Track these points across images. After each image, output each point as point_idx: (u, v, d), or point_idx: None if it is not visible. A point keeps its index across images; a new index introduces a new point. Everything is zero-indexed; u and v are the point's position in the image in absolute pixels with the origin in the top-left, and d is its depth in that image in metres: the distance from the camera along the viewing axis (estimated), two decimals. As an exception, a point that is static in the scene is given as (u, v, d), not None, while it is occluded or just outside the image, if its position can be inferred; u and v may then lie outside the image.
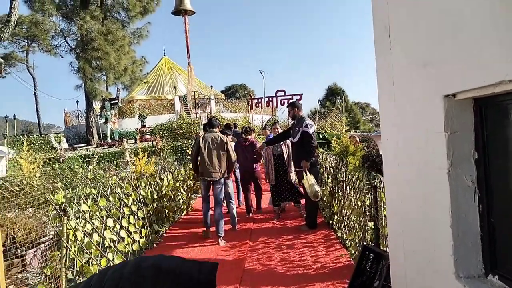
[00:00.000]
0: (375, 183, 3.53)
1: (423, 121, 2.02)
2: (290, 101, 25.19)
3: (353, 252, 4.62)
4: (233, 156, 5.82)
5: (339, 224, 5.50)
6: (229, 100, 33.58)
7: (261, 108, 27.34)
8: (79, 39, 21.50)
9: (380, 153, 3.29)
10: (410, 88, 2.19)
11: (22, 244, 4.84)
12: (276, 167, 6.80)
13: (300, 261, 4.59)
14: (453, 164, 1.79)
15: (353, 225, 4.72)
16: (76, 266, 3.81)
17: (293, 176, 6.73)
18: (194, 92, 28.08)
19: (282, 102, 25.76)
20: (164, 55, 34.24)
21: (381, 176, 3.90)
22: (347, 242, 4.98)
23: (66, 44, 22.52)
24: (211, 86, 31.79)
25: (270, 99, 26.61)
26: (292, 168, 6.73)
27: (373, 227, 3.59)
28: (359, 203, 4.51)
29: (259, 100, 27.56)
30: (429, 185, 2.00)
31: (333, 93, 39.43)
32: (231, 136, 6.99)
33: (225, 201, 6.29)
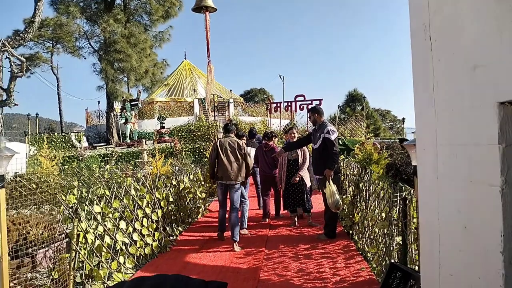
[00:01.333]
0: (404, 195, 3.27)
1: (472, 131, 1.78)
2: (311, 106, 24.96)
3: (374, 266, 4.35)
4: (250, 161, 5.82)
5: (360, 235, 5.23)
6: (247, 104, 33.46)
7: (280, 112, 27.12)
8: (102, 41, 21.82)
9: (414, 163, 3.04)
10: (455, 94, 1.95)
11: (34, 243, 4.77)
12: (289, 172, 6.59)
13: (318, 273, 4.34)
14: (507, 182, 1.54)
15: (376, 237, 4.45)
16: (86, 270, 3.68)
17: (298, 179, 6.48)
18: (213, 95, 28.14)
19: (301, 107, 25.48)
20: (185, 59, 34.49)
21: (410, 188, 3.64)
22: (369, 255, 4.71)
23: (89, 46, 22.88)
24: (230, 90, 31.78)
25: (289, 103, 26.37)
26: (303, 173, 6.50)
27: (400, 242, 3.32)
28: (383, 214, 4.24)
29: (278, 104, 27.35)
30: (476, 204, 1.75)
31: (354, 99, 38.85)
32: (245, 140, 6.88)
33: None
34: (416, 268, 3.26)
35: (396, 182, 4.17)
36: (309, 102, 25.19)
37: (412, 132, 3.07)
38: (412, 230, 3.27)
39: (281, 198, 6.94)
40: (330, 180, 5.40)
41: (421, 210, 2.47)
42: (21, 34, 11.59)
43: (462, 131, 1.90)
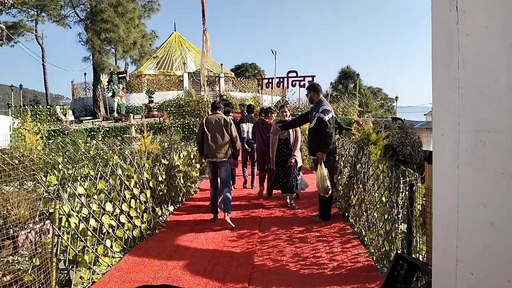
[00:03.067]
0: (411, 181, 3.08)
1: (507, 116, 1.55)
2: (309, 83, 24.57)
3: (372, 251, 4.21)
4: (236, 136, 5.67)
5: (357, 219, 5.08)
6: (238, 79, 32.85)
7: (272, 88, 26.71)
8: (88, 10, 20.91)
9: (425, 149, 2.81)
10: (487, 73, 1.70)
11: (15, 224, 4.51)
12: (279, 152, 6.38)
13: (315, 258, 4.18)
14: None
15: (375, 222, 4.29)
16: (70, 255, 3.45)
17: (293, 161, 6.30)
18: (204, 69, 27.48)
19: (294, 83, 25.15)
20: (175, 31, 33.49)
21: (413, 172, 3.45)
22: (366, 239, 4.58)
23: (75, 15, 21.92)
24: (221, 64, 31.11)
25: (281, 79, 25.97)
26: (296, 153, 6.31)
27: (404, 230, 3.15)
28: (383, 199, 4.07)
29: (270, 80, 26.91)
30: (508, 199, 1.54)
31: (346, 76, 38.49)
32: (231, 116, 6.73)
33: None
34: (420, 258, 3.12)
35: (398, 165, 3.98)
36: (302, 78, 24.85)
37: (425, 114, 2.84)
38: (416, 217, 3.09)
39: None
40: (322, 164, 5.24)
41: (435, 201, 2.27)
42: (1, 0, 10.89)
43: (493, 116, 1.67)
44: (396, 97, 31.46)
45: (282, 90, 27.42)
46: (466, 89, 1.88)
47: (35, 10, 26.50)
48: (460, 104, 1.93)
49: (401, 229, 3.36)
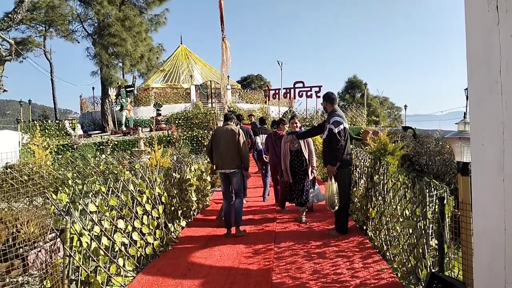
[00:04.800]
0: (440, 194, 2.90)
1: None
2: (310, 93, 24.46)
3: (395, 266, 4.01)
4: (243, 146, 5.57)
5: (377, 232, 4.88)
6: (245, 90, 32.86)
7: (278, 99, 26.64)
8: (96, 24, 21.12)
9: (458, 160, 2.64)
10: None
11: (24, 243, 4.38)
12: (292, 164, 6.19)
13: (336, 275, 3.99)
14: None
15: (397, 236, 4.09)
16: (82, 276, 3.30)
17: (311, 175, 6.15)
18: (211, 81, 27.56)
19: (301, 93, 25.03)
20: (181, 43, 33.72)
21: (441, 184, 3.27)
22: (388, 254, 4.37)
23: (83, 29, 22.18)
24: (228, 76, 31.15)
25: (288, 90, 25.88)
26: (314, 164, 6.18)
27: (435, 246, 2.96)
28: (407, 212, 3.88)
29: (277, 91, 26.85)
30: None
31: (353, 86, 38.36)
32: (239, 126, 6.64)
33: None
34: (453, 275, 2.92)
35: (421, 176, 3.80)
36: (308, 88, 24.74)
37: (456, 123, 2.68)
38: (448, 234, 2.91)
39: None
40: (332, 178, 5.11)
41: (477, 216, 2.09)
42: (9, 15, 10.97)
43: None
44: (405, 106, 31.24)
45: (289, 101, 27.33)
46: (511, 95, 1.74)
47: (43, 25, 26.90)
48: (504, 112, 1.78)
49: (430, 245, 3.17)
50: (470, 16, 2.04)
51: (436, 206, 2.99)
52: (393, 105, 50.29)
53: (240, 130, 5.70)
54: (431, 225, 3.14)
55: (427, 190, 3.36)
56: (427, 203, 3.11)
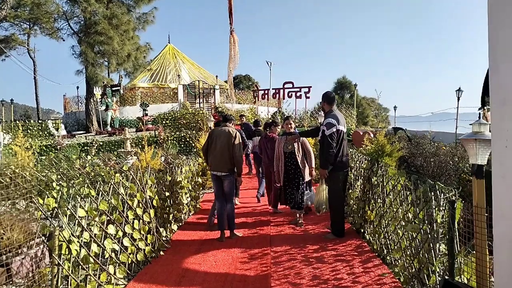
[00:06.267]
0: (450, 197, 2.79)
1: None
2: (299, 94, 24.36)
3: (397, 271, 3.90)
4: (238, 150, 5.41)
5: (376, 236, 4.77)
6: (234, 91, 32.61)
7: (267, 100, 26.53)
8: (82, 22, 20.62)
9: (472, 162, 2.53)
10: None
11: (8, 250, 4.12)
12: (286, 166, 6.06)
13: (336, 281, 3.86)
14: None
15: (399, 240, 3.98)
16: (71, 286, 3.08)
17: (307, 177, 6.04)
18: (198, 81, 27.27)
19: (290, 94, 24.98)
20: (169, 43, 33.31)
21: (448, 187, 3.17)
22: (387, 257, 4.27)
23: (69, 27, 21.56)
24: (216, 76, 30.94)
25: (277, 91, 25.79)
26: (313, 165, 6.07)
27: (444, 251, 2.85)
28: (410, 215, 3.77)
29: (266, 91, 26.73)
30: None
31: (342, 87, 38.49)
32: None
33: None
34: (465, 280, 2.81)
35: (424, 179, 3.70)
36: (298, 89, 24.70)
37: (471, 124, 2.56)
38: (457, 239, 2.80)
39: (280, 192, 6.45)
40: (324, 182, 5.06)
41: (497, 222, 1.97)
42: (-9, 12, 10.57)
43: None
44: (395, 107, 31.49)
45: (278, 101, 27.24)
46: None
47: (28, 23, 26.18)
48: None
49: (439, 249, 3.06)
50: (493, 10, 1.92)
51: (446, 210, 2.88)
52: (380, 106, 50.75)
53: (237, 133, 5.52)
54: (439, 229, 3.03)
55: (432, 193, 3.26)
56: (434, 207, 3.00)
